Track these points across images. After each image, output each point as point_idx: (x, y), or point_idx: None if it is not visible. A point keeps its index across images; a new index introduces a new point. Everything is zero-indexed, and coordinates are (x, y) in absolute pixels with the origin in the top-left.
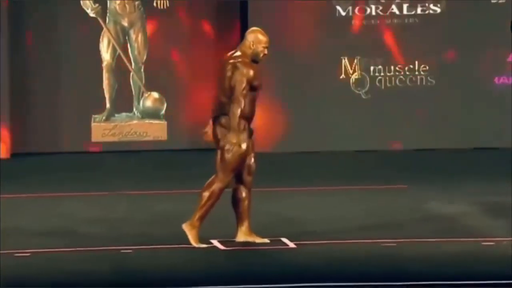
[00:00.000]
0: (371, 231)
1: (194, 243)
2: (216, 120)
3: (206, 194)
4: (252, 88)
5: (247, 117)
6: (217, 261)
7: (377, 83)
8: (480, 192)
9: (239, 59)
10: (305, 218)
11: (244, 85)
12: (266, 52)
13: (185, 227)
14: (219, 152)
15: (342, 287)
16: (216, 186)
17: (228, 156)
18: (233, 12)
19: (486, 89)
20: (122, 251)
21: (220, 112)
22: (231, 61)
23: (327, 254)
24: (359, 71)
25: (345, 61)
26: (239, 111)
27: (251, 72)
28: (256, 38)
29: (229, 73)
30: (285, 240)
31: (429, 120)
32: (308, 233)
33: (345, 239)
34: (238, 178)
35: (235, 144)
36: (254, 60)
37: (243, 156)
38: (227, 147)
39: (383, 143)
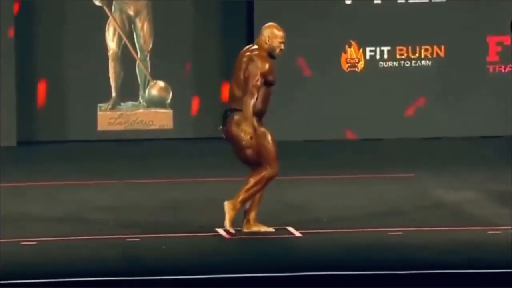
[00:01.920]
0: (377, 219)
1: (227, 225)
2: (228, 115)
3: (253, 179)
4: (267, 83)
5: (260, 113)
6: (222, 250)
7: (383, 71)
8: (487, 180)
9: (256, 52)
10: (310, 206)
11: (258, 77)
12: (282, 47)
13: (227, 205)
14: (244, 150)
15: (347, 276)
16: (266, 173)
17: (264, 145)
18: (240, 11)
19: (493, 76)
20: (129, 239)
21: (233, 106)
22: (247, 53)
23: (333, 243)
24: (364, 59)
25: (350, 50)
26: (252, 102)
27: (266, 66)
28: (271, 33)
29: (244, 65)
30: (290, 228)
31: (436, 108)
32: (314, 221)
33: (351, 228)
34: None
35: (250, 133)
36: (271, 55)
37: (274, 141)
38: (245, 139)
39: (389, 131)
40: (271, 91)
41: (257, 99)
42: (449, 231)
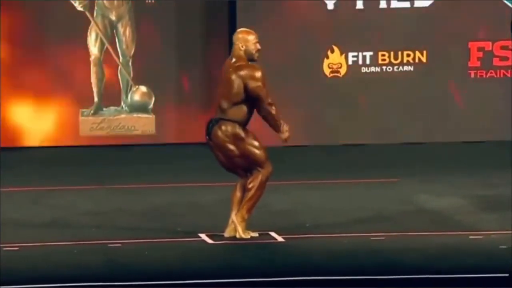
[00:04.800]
0: (360, 224)
1: (243, 235)
2: (213, 125)
3: (253, 187)
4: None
5: (246, 121)
6: (204, 255)
7: (365, 77)
8: (469, 185)
9: (238, 64)
10: (293, 211)
11: (264, 89)
12: (258, 47)
13: (236, 218)
14: (232, 158)
15: (330, 281)
16: (262, 176)
17: (252, 151)
18: (222, 11)
19: (474, 82)
20: (111, 244)
21: (218, 116)
22: (231, 69)
23: (315, 248)
24: (347, 65)
25: (333, 55)
26: (273, 109)
27: (259, 74)
28: (243, 38)
29: (233, 77)
30: (273, 234)
31: (418, 113)
32: (297, 226)
33: (334, 233)
34: (250, 173)
35: (288, 133)
36: (251, 59)
37: (261, 144)
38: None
39: (372, 136)
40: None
41: (246, 107)
42: (431, 236)
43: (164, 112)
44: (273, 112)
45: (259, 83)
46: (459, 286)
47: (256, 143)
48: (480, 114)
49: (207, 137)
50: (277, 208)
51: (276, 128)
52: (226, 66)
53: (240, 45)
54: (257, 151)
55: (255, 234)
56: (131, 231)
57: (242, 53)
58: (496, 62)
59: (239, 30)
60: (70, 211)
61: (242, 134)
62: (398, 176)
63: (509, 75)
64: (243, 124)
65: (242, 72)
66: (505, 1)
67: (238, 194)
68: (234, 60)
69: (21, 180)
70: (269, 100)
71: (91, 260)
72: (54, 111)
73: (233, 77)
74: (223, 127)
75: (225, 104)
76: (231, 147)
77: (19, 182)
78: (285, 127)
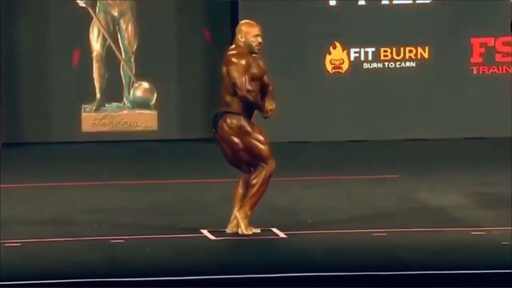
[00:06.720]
0: (361, 221)
1: (245, 231)
2: (219, 118)
3: (256, 183)
4: (252, 78)
5: (251, 111)
6: (207, 251)
7: (367, 73)
8: (471, 182)
9: (232, 52)
10: (295, 208)
11: (242, 77)
12: (259, 40)
13: (239, 215)
14: (237, 152)
15: (332, 277)
16: (266, 172)
17: (256, 146)
18: (224, 6)
19: (476, 78)
20: (113, 241)
21: (223, 109)
22: (226, 56)
23: (317, 244)
24: (349, 61)
25: (335, 51)
26: (251, 96)
27: (243, 61)
28: (244, 30)
29: (224, 69)
30: (275, 230)
31: (419, 109)
32: (299, 223)
33: (336, 229)
34: (253, 168)
35: (272, 109)
36: (251, 51)
37: (266, 139)
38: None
39: (373, 133)
40: (259, 86)
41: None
42: (433, 232)
43: (166, 108)
44: (251, 98)
45: (239, 71)
46: (461, 282)
47: (261, 138)
48: (482, 110)
49: (213, 130)
50: (279, 205)
51: (259, 109)
52: (224, 56)
53: (239, 36)
54: (261, 146)
55: (258, 230)
56: (132, 227)
57: (241, 44)
58: (498, 58)
59: (242, 21)
60: (72, 207)
61: (248, 127)
62: (399, 172)
63: (511, 71)
64: (248, 117)
65: (228, 58)
66: None
67: (240, 190)
68: (232, 46)
69: (23, 177)
70: (248, 88)
71: (93, 256)
72: (56, 107)
73: (226, 65)
74: (228, 120)
75: (227, 97)
76: (236, 140)
77: (21, 178)
78: (269, 106)
